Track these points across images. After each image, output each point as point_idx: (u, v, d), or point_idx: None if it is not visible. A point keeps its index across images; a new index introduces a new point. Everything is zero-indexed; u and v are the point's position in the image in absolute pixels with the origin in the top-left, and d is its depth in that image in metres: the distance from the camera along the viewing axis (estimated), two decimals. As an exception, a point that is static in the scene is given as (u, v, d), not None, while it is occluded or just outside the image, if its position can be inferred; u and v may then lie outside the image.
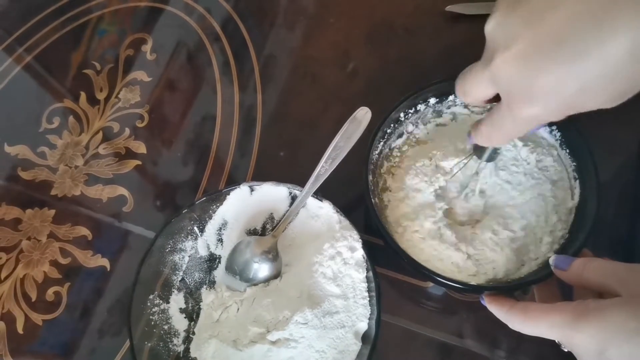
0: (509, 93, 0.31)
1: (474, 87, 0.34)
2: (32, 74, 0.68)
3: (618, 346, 0.28)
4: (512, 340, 0.44)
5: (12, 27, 0.72)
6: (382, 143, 0.46)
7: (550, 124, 0.44)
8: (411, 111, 0.47)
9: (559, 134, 0.44)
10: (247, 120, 0.59)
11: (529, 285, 0.39)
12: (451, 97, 0.47)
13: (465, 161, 0.45)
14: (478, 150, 0.42)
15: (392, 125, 0.47)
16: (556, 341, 0.32)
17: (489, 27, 0.30)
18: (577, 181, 0.42)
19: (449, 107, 0.48)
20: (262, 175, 0.55)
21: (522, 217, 0.44)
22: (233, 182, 0.50)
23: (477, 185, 0.45)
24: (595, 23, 0.26)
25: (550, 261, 0.36)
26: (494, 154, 0.42)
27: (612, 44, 0.26)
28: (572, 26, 0.27)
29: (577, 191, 0.42)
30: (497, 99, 0.33)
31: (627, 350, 0.28)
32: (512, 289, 0.40)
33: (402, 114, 0.47)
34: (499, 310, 0.36)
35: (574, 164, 0.43)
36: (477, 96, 0.34)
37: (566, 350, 0.32)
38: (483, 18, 0.58)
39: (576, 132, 0.42)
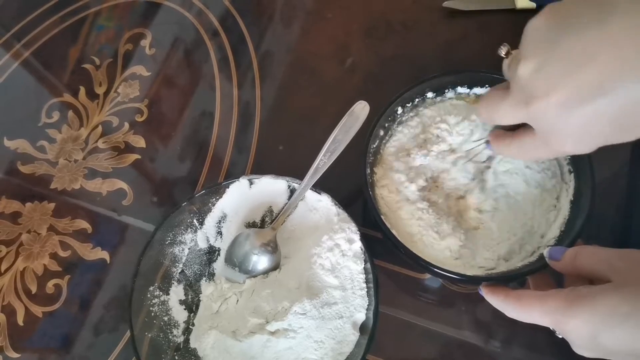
0: (547, 133, 0.34)
1: (503, 118, 0.37)
2: (30, 69, 0.69)
3: (610, 331, 0.29)
4: (507, 330, 0.45)
5: (10, 23, 0.72)
6: (380, 136, 0.47)
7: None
8: (409, 105, 0.48)
9: (554, 127, 0.44)
10: (246, 115, 0.59)
11: (525, 276, 0.40)
12: (447, 91, 0.48)
13: (477, 147, 0.45)
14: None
15: (389, 118, 0.47)
16: (550, 328, 0.33)
17: (526, 72, 0.33)
18: (572, 174, 0.43)
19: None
20: (261, 169, 0.55)
21: (520, 210, 0.45)
22: (231, 176, 0.50)
23: (491, 171, 0.45)
24: (631, 73, 0.28)
25: (545, 253, 0.37)
26: None
27: None
28: (609, 77, 0.29)
29: (572, 184, 0.43)
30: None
31: (620, 335, 0.28)
32: (508, 280, 0.40)
33: (399, 108, 0.47)
34: (494, 299, 0.37)
35: (569, 157, 0.43)
36: (504, 124, 0.38)
37: (560, 336, 0.33)
38: (479, 14, 0.59)
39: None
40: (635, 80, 0.28)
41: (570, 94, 0.30)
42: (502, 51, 0.37)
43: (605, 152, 0.47)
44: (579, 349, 0.32)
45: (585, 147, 0.33)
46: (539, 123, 0.34)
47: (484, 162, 0.46)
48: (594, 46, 0.29)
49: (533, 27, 0.33)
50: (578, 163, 0.42)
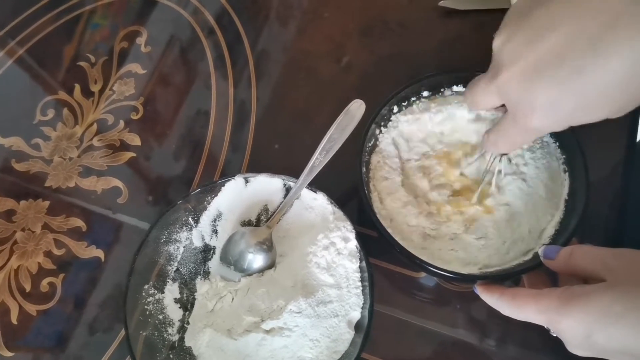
0: (513, 106, 0.33)
1: (482, 98, 0.36)
2: (25, 67, 0.68)
3: (604, 330, 0.29)
4: (502, 328, 0.45)
5: (4, 21, 0.71)
6: (375, 135, 0.47)
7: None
8: (404, 104, 0.48)
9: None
10: (241, 113, 0.59)
11: (519, 275, 0.40)
12: (443, 90, 0.48)
13: (478, 156, 0.45)
14: None
15: (385, 117, 0.47)
16: (545, 326, 0.33)
17: (497, 43, 0.33)
18: (567, 174, 0.43)
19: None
20: (257, 167, 0.55)
21: (515, 210, 0.45)
22: (227, 175, 0.50)
23: (494, 180, 0.45)
24: (590, 46, 0.28)
25: (539, 252, 0.37)
26: None
27: (606, 66, 0.27)
28: (569, 47, 0.28)
29: (566, 183, 0.43)
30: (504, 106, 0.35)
31: (613, 334, 0.28)
32: (503, 279, 0.40)
33: (395, 107, 0.47)
34: (490, 297, 0.37)
35: (564, 156, 0.44)
36: (485, 106, 0.37)
37: (554, 335, 0.33)
38: (475, 13, 0.59)
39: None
40: (592, 54, 0.27)
41: (530, 63, 0.30)
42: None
43: (600, 152, 0.47)
44: (572, 348, 0.32)
45: (553, 123, 0.32)
46: (506, 96, 0.33)
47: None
48: (558, 16, 0.29)
49: (515, 5, 0.32)
50: (572, 162, 0.43)
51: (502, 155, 0.43)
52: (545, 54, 0.29)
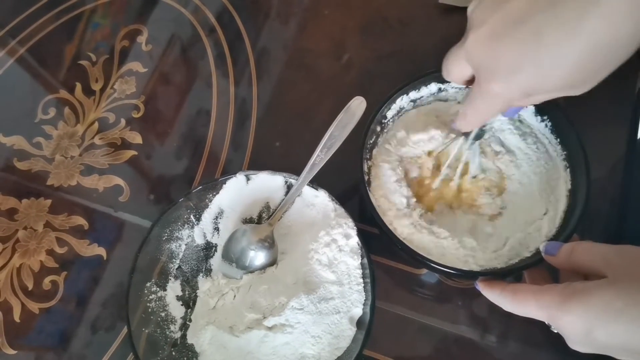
0: (477, 69, 0.33)
1: (453, 65, 0.36)
2: (26, 66, 0.68)
3: (604, 326, 0.29)
4: (503, 325, 0.45)
5: (4, 20, 0.71)
6: (376, 132, 0.47)
7: (542, 114, 0.45)
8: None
9: (549, 123, 0.44)
10: (242, 112, 0.59)
11: (521, 271, 0.40)
12: (443, 87, 0.48)
13: (452, 141, 0.45)
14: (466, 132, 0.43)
15: (386, 114, 0.47)
16: (546, 322, 0.33)
17: (470, 9, 0.33)
18: (568, 170, 0.43)
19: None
20: (258, 165, 0.55)
21: (517, 207, 0.45)
22: (228, 173, 0.50)
23: (461, 165, 0.45)
24: (550, 6, 0.27)
25: (541, 248, 0.37)
26: (480, 132, 0.43)
27: (564, 26, 0.27)
28: (530, 7, 0.28)
29: (568, 180, 0.43)
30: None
31: (614, 330, 0.28)
32: (504, 275, 0.40)
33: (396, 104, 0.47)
34: (491, 293, 0.37)
35: (565, 153, 0.43)
36: (457, 74, 0.37)
37: (555, 331, 0.33)
38: (476, 10, 0.59)
39: (566, 121, 0.43)
40: (551, 14, 0.27)
41: (494, 25, 0.30)
42: None
43: (601, 148, 0.47)
44: (573, 344, 0.32)
45: (514, 89, 0.31)
46: (471, 60, 0.33)
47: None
48: None
49: None
50: (574, 159, 0.43)
51: (475, 139, 0.43)
52: (509, 15, 0.29)
